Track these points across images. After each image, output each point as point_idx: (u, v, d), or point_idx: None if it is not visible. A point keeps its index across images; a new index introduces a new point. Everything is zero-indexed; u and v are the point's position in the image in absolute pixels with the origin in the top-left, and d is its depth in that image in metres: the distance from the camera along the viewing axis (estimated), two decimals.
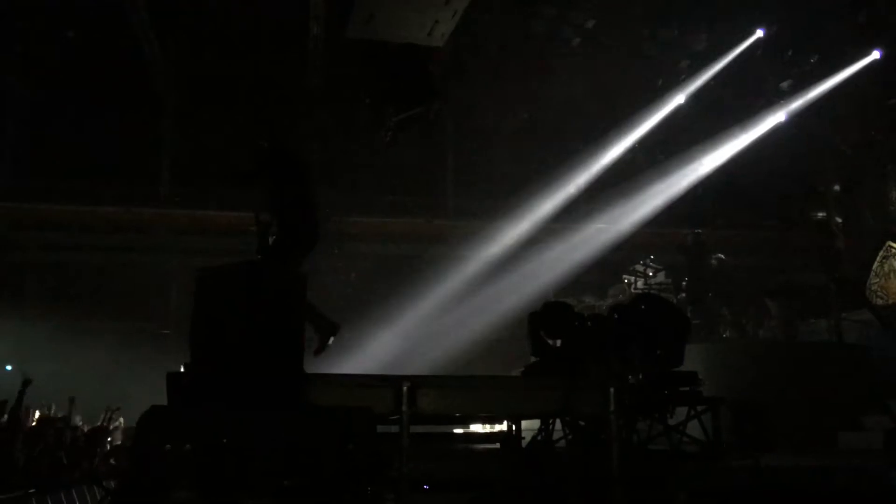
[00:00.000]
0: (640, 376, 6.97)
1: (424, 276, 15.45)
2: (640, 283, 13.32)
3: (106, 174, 16.29)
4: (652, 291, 12.47)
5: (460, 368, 13.11)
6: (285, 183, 7.00)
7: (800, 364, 9.82)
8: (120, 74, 16.06)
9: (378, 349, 13.96)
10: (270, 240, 6.87)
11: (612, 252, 16.30)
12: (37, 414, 12.07)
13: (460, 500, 5.99)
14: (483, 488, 5.97)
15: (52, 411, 12.17)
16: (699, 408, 7.22)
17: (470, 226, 16.71)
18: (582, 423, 6.95)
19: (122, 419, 12.80)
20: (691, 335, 8.10)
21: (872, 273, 10.18)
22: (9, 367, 14.96)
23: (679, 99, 16.91)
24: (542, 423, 7.49)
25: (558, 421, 7.29)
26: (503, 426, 7.47)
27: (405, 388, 5.51)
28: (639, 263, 13.64)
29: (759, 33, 15.67)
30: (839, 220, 18.35)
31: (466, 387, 6.34)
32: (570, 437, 7.21)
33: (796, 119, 16.73)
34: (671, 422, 7.11)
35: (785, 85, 16.73)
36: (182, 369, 5.57)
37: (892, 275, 10.26)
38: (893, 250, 11.93)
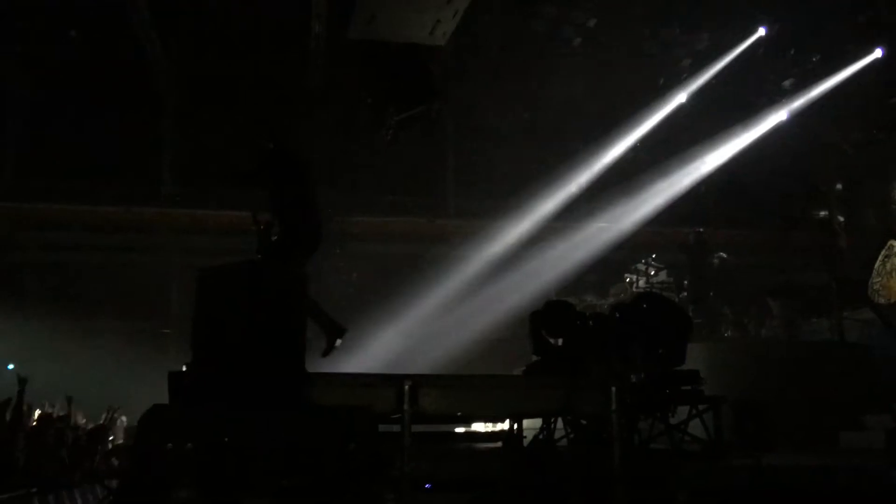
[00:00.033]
0: (642, 375, 6.97)
1: (426, 275, 15.44)
2: (641, 282, 13.32)
3: (106, 174, 16.29)
4: (654, 290, 12.46)
5: (462, 367, 13.10)
6: (286, 183, 7.00)
7: (801, 363, 9.81)
8: (120, 74, 16.05)
9: (379, 348, 13.95)
10: (272, 239, 6.87)
11: (614, 251, 16.28)
12: (37, 413, 12.09)
13: (462, 500, 5.99)
14: (485, 487, 5.97)
15: (55, 410, 12.19)
16: (700, 407, 7.21)
17: (471, 225, 16.70)
18: (583, 422, 6.95)
19: (124, 418, 12.82)
20: (693, 334, 8.10)
21: (874, 272, 10.15)
22: (10, 366, 14.97)
23: (681, 98, 16.90)
24: (543, 423, 7.49)
25: (560, 420, 7.29)
26: (505, 425, 7.46)
27: (407, 388, 5.51)
28: (640, 262, 13.64)
29: (761, 32, 15.65)
30: (841, 219, 18.35)
31: (468, 386, 6.34)
32: (571, 436, 7.21)
33: (798, 118, 16.70)
34: (673, 421, 7.10)
35: (787, 84, 16.71)
36: (184, 369, 5.57)
37: (894, 274, 10.23)
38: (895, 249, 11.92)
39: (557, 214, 16.80)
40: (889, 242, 10.43)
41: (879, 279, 9.97)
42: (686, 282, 13.10)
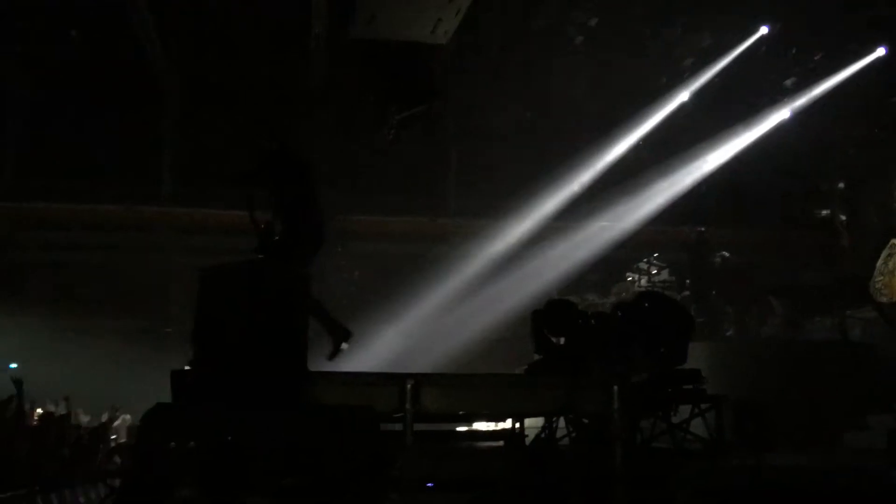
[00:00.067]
0: (644, 374, 6.96)
1: (427, 274, 15.44)
2: (643, 281, 13.33)
3: (107, 173, 16.31)
4: (655, 289, 12.46)
5: (463, 366, 13.10)
6: (286, 183, 7.01)
7: (803, 362, 9.80)
8: (121, 74, 16.07)
9: (381, 347, 13.95)
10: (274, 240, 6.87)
11: (616, 250, 16.27)
12: (38, 411, 12.12)
13: (464, 499, 5.99)
14: (486, 487, 5.97)
15: (57, 409, 12.22)
16: (702, 406, 7.20)
17: (472, 225, 16.70)
18: (585, 422, 6.94)
19: (128, 416, 12.84)
20: (694, 333, 8.09)
21: (877, 271, 10.13)
22: (12, 366, 14.98)
23: (683, 97, 16.89)
24: (545, 421, 7.48)
25: (562, 419, 7.29)
26: (507, 424, 7.46)
27: (409, 386, 5.52)
28: (642, 261, 13.64)
29: (763, 30, 15.64)
30: (843, 218, 18.33)
31: (470, 385, 6.34)
32: (573, 435, 7.20)
33: (800, 117, 16.69)
34: (674, 420, 7.10)
35: (789, 82, 16.69)
36: (186, 368, 5.57)
37: None
38: None
39: (559, 214, 16.79)
40: (891, 241, 10.41)
41: (881, 278, 9.96)
42: (688, 281, 13.11)
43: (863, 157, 17.60)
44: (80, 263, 16.86)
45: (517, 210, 16.47)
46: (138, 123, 16.59)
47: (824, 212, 18.69)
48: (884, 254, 10.18)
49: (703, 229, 13.96)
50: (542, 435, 7.48)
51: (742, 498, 5.83)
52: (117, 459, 10.69)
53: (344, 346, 7.09)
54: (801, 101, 16.51)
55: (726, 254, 13.59)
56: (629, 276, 13.69)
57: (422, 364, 13.08)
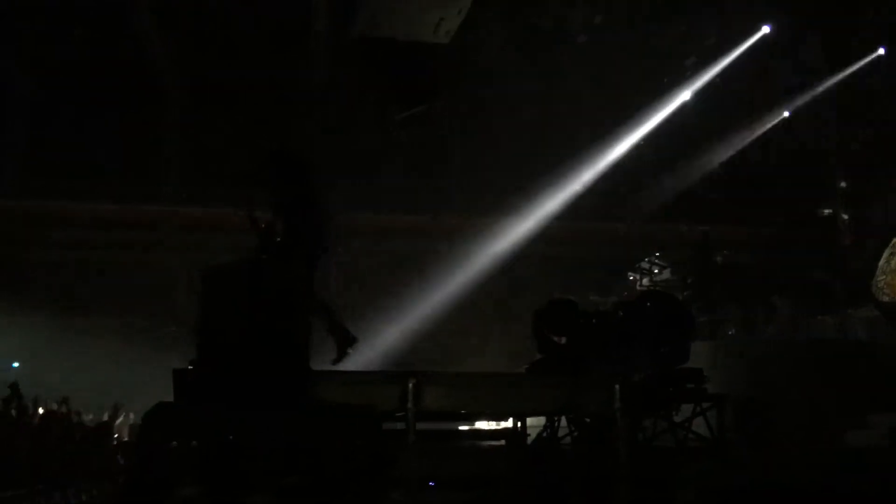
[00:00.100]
0: (645, 373, 6.97)
1: (430, 272, 15.46)
2: (645, 281, 13.31)
3: (109, 172, 16.34)
4: (657, 289, 12.45)
5: (465, 365, 13.13)
6: (287, 183, 7.01)
7: (805, 361, 9.79)
8: (123, 73, 16.09)
9: (384, 346, 13.98)
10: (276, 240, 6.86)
11: (618, 249, 16.28)
12: (41, 411, 12.15)
13: (465, 498, 6.00)
14: (488, 485, 5.98)
15: (60, 407, 12.24)
16: (704, 405, 7.21)
17: (476, 222, 16.71)
18: (587, 421, 6.95)
19: (132, 414, 12.87)
20: (696, 332, 8.09)
21: (879, 270, 10.10)
22: (15, 364, 15.04)
23: (685, 95, 16.88)
24: (547, 421, 7.49)
25: (563, 418, 7.29)
26: (508, 423, 7.47)
27: (411, 385, 5.52)
28: (644, 261, 13.62)
29: (766, 29, 15.63)
30: (846, 216, 18.31)
31: (472, 384, 6.34)
32: (575, 434, 7.21)
33: (803, 115, 16.67)
34: (676, 419, 7.10)
35: (791, 81, 16.68)
36: (189, 367, 5.58)
37: None
38: None
39: (562, 212, 16.80)
40: (893, 240, 10.39)
41: (884, 277, 9.92)
42: (690, 280, 13.08)
43: (866, 156, 17.56)
44: (82, 262, 16.89)
45: (521, 208, 16.49)
46: (140, 122, 16.62)
47: (827, 210, 18.67)
48: (886, 253, 10.14)
49: (704, 228, 13.94)
50: (544, 434, 7.50)
51: (743, 497, 5.83)
52: (119, 458, 10.72)
53: (349, 351, 7.09)
54: (804, 99, 16.51)
55: (728, 252, 13.56)
56: (631, 276, 13.67)
57: (424, 362, 13.11)
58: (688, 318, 7.99)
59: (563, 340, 7.72)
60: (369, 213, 16.98)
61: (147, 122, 16.83)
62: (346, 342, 6.85)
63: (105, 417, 13.03)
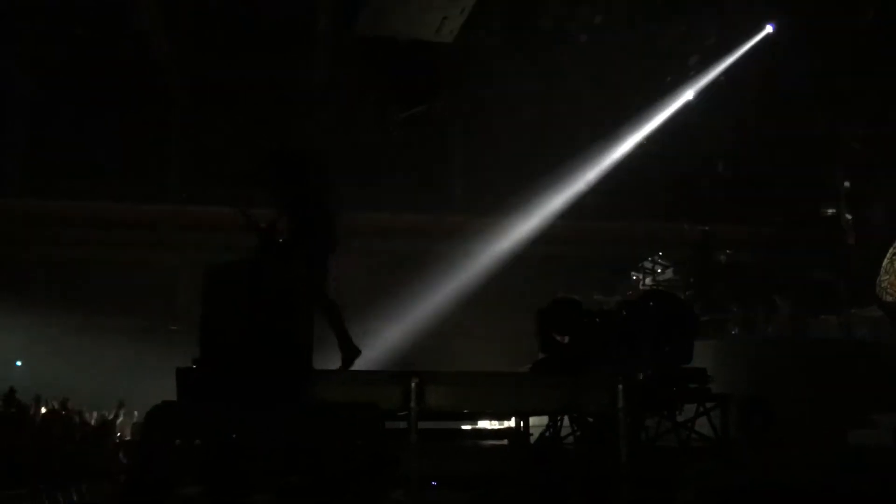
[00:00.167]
0: (648, 373, 6.95)
1: (432, 271, 15.45)
2: (648, 280, 13.30)
3: (111, 171, 16.35)
4: (660, 288, 12.43)
5: (468, 364, 13.12)
6: (291, 183, 7.00)
7: (808, 361, 9.78)
8: (125, 72, 16.09)
9: (386, 345, 13.97)
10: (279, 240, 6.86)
11: (621, 248, 16.27)
12: (43, 410, 12.15)
13: (468, 497, 5.99)
14: (491, 485, 5.97)
15: (60, 408, 12.24)
16: (707, 405, 7.19)
17: (478, 222, 16.70)
18: (590, 420, 6.93)
19: (136, 412, 12.87)
20: (700, 332, 8.07)
21: (882, 269, 10.08)
22: (18, 363, 15.04)
23: (688, 94, 16.87)
24: (549, 420, 7.48)
25: (566, 417, 7.28)
26: (511, 423, 7.46)
27: (413, 385, 5.51)
28: (647, 260, 13.61)
29: (769, 29, 15.63)
30: (849, 216, 18.29)
31: (474, 383, 6.33)
32: (577, 433, 7.20)
33: (805, 114, 16.67)
34: (679, 419, 7.08)
35: (794, 80, 16.67)
36: (193, 365, 5.57)
37: None
38: None
39: (565, 211, 16.79)
40: None
41: (887, 277, 9.90)
42: (693, 279, 13.07)
43: (868, 155, 17.55)
44: (85, 261, 16.90)
45: (523, 207, 16.48)
46: (140, 122, 16.63)
47: (830, 210, 18.66)
48: (889, 252, 10.12)
49: (707, 228, 13.93)
50: (547, 433, 7.49)
51: (745, 497, 5.82)
52: (121, 457, 10.72)
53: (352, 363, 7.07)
54: (806, 98, 16.51)
55: (731, 252, 13.55)
56: (634, 275, 13.66)
57: (427, 361, 13.10)
58: (691, 317, 7.96)
59: (566, 340, 7.71)
60: (369, 213, 16.95)
61: (147, 121, 16.82)
62: (351, 355, 6.85)
63: (110, 416, 13.04)
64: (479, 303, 15.64)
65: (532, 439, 7.47)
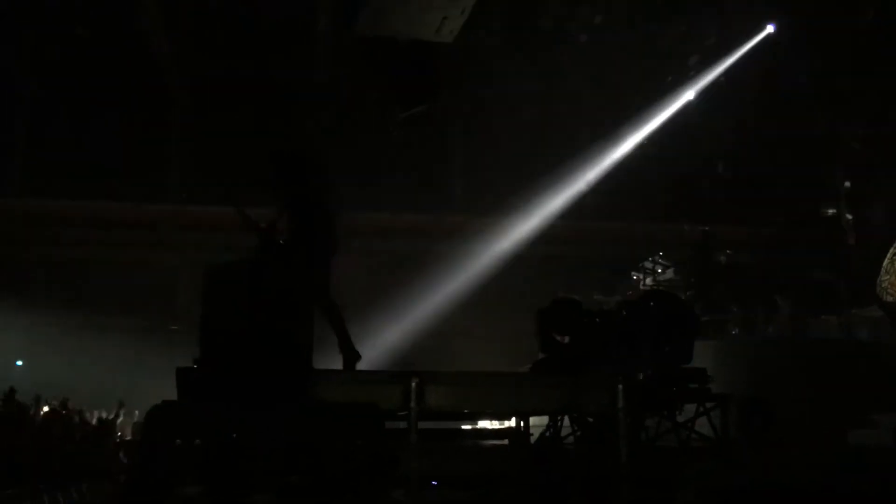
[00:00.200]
0: (649, 373, 6.95)
1: (432, 271, 15.45)
2: (648, 280, 13.30)
3: (113, 171, 16.34)
4: (661, 288, 12.44)
5: (468, 364, 13.11)
6: (292, 183, 7.00)
7: (808, 361, 9.78)
8: (127, 72, 16.10)
9: (386, 345, 13.96)
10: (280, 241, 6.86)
11: (621, 248, 16.26)
12: (44, 409, 12.16)
13: (468, 497, 5.99)
14: (491, 485, 5.96)
15: (61, 405, 12.24)
16: (707, 405, 7.18)
17: (478, 222, 16.70)
18: (590, 420, 6.93)
19: (136, 411, 12.88)
20: (700, 332, 8.07)
21: (882, 270, 10.09)
22: (18, 363, 15.04)
23: (688, 95, 16.87)
24: (550, 420, 7.48)
25: (566, 417, 7.28)
26: (511, 423, 7.46)
27: (414, 385, 5.50)
28: (647, 260, 13.61)
29: (769, 29, 15.62)
30: (849, 216, 18.30)
31: (474, 383, 6.33)
32: (578, 433, 7.20)
33: (805, 114, 16.67)
34: (679, 419, 7.08)
35: (794, 81, 16.67)
36: (193, 365, 5.57)
37: None
38: None
39: (565, 211, 16.79)
40: None
41: (887, 277, 9.90)
42: (693, 280, 13.07)
43: (868, 155, 17.56)
44: (85, 261, 16.90)
45: (523, 207, 16.48)
46: (140, 122, 16.63)
47: (830, 210, 18.66)
48: (890, 252, 10.13)
49: (707, 228, 13.93)
50: (547, 433, 7.48)
51: (744, 497, 5.81)
52: (122, 457, 10.72)
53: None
54: (807, 98, 16.51)
55: (731, 252, 13.54)
56: (635, 275, 13.66)
57: (427, 361, 13.09)
58: (691, 317, 7.96)
59: (566, 340, 7.70)
60: (369, 213, 16.94)
61: (147, 121, 16.83)
62: (352, 360, 6.86)
63: (110, 415, 13.04)
64: (479, 303, 15.63)
65: (532, 439, 7.47)
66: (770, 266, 16.53)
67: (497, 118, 17.67)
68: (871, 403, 9.05)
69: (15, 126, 17.00)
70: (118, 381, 13.82)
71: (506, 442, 7.40)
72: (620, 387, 5.82)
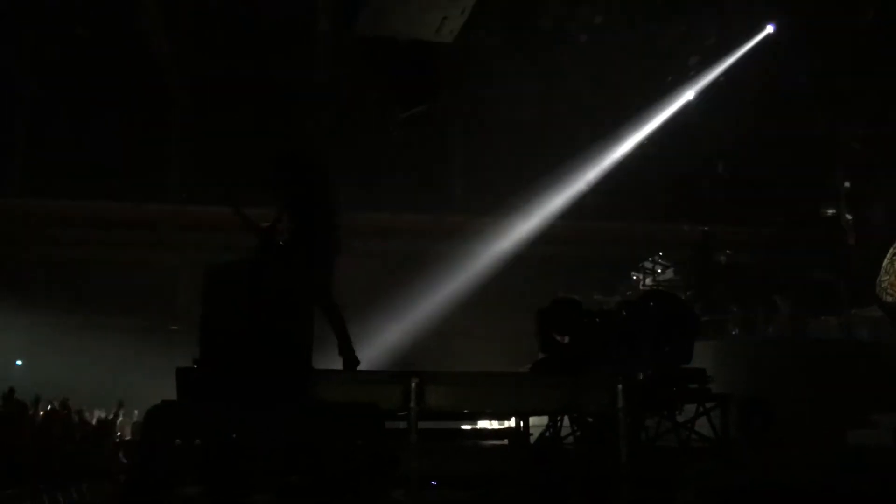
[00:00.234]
0: (649, 373, 6.94)
1: (432, 271, 15.45)
2: (648, 280, 13.30)
3: (113, 171, 16.34)
4: (660, 288, 12.44)
5: (468, 364, 13.11)
6: (291, 184, 7.00)
7: (808, 361, 9.79)
8: (128, 72, 16.09)
9: (386, 345, 13.96)
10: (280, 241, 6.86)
11: (621, 248, 16.26)
12: (46, 408, 12.15)
13: (468, 497, 5.98)
14: (491, 485, 5.96)
15: (61, 405, 12.24)
16: (707, 405, 7.18)
17: (478, 222, 16.70)
18: (590, 420, 6.93)
19: (135, 412, 12.88)
20: (700, 332, 8.07)
21: (882, 270, 10.09)
22: (19, 363, 15.04)
23: (688, 95, 16.87)
24: (549, 420, 7.47)
25: (566, 417, 7.28)
26: (511, 423, 7.46)
27: (413, 385, 5.51)
28: (647, 260, 13.61)
29: (769, 29, 15.62)
30: (849, 216, 18.30)
31: (474, 383, 6.33)
32: (577, 433, 7.19)
33: (805, 114, 16.67)
34: (679, 419, 7.08)
35: (794, 81, 16.67)
36: (193, 365, 5.57)
37: None
38: None
39: (565, 211, 16.79)
40: None
41: (887, 277, 9.90)
42: (693, 280, 13.07)
43: (868, 155, 17.56)
44: (85, 261, 16.90)
45: (523, 208, 16.47)
46: (140, 122, 16.63)
47: (830, 210, 18.66)
48: (889, 252, 10.13)
49: (707, 228, 13.93)
50: (547, 433, 7.48)
51: (744, 497, 5.81)
52: (121, 457, 10.72)
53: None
54: (807, 98, 16.51)
55: (731, 252, 13.55)
56: (634, 276, 13.66)
57: (427, 361, 13.09)
58: (691, 317, 7.96)
59: (566, 340, 7.70)
60: (369, 213, 16.93)
61: (147, 121, 16.82)
62: (351, 364, 6.86)
63: (110, 415, 13.04)
64: (479, 303, 15.63)
65: (532, 439, 7.47)
66: (770, 266, 16.53)
67: (497, 118, 17.66)
68: (871, 403, 9.05)
69: (15, 126, 16.99)
70: (118, 381, 13.82)
71: (506, 442, 7.40)
72: (620, 387, 5.82)
